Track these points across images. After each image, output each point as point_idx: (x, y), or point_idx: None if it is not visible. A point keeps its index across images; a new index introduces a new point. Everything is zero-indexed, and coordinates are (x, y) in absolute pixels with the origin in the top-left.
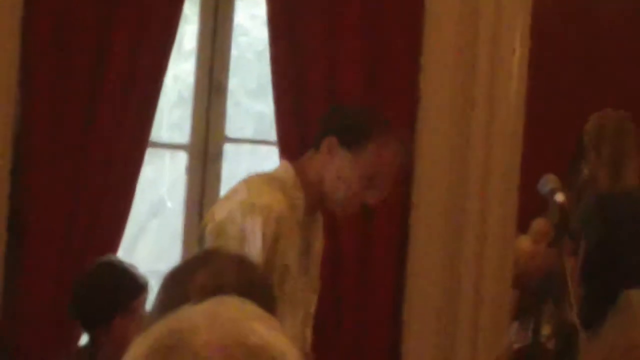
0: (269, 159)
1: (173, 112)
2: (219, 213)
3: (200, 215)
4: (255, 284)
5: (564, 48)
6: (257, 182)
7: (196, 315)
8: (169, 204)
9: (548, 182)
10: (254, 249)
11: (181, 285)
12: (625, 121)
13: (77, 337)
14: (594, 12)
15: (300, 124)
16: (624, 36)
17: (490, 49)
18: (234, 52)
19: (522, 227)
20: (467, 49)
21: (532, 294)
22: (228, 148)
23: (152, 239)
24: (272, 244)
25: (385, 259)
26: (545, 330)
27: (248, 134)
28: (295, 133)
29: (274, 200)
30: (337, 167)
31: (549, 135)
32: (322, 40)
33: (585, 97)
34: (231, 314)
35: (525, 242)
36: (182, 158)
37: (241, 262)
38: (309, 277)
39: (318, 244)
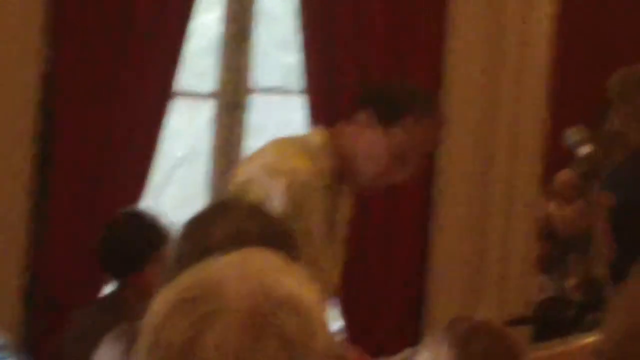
0: (296, 110)
1: (200, 62)
2: (244, 173)
3: (227, 165)
4: (277, 233)
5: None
6: (286, 145)
7: (223, 268)
8: (195, 153)
9: (574, 133)
10: (277, 211)
11: (202, 234)
12: None
13: (106, 286)
14: None
15: (326, 74)
16: None
17: (518, 9)
18: (261, 1)
19: (548, 180)
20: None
21: (558, 245)
22: (254, 98)
23: (179, 188)
24: (295, 208)
25: (411, 214)
26: (571, 282)
27: (274, 84)
28: (322, 83)
29: (301, 165)
30: (369, 142)
31: (576, 88)
32: None
33: (613, 50)
34: (257, 265)
35: (553, 208)
36: (208, 107)
37: (261, 212)
38: (334, 245)
39: (345, 213)
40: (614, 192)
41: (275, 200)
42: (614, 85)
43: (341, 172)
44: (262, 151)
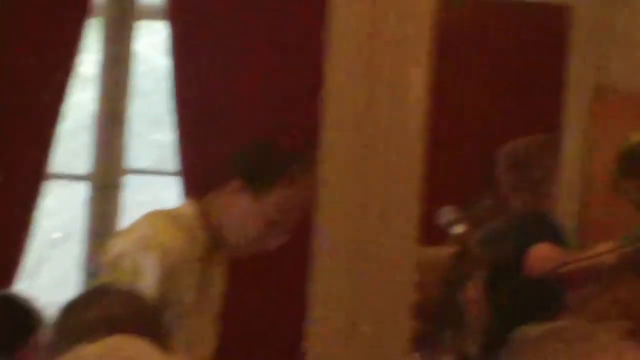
0: (171, 189)
1: (73, 142)
2: (116, 247)
3: (101, 246)
4: (146, 319)
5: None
6: (158, 218)
7: (92, 355)
8: (69, 234)
9: (447, 213)
10: (148, 286)
11: (74, 320)
12: (544, 144)
13: None
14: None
15: (200, 153)
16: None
17: (388, 84)
18: (134, 80)
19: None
20: (367, 76)
21: (431, 321)
22: (128, 178)
23: (52, 270)
24: (168, 282)
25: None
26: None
27: (148, 163)
28: (195, 162)
29: (173, 238)
30: (240, 211)
31: (448, 166)
32: (224, 67)
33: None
34: (125, 353)
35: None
36: (83, 187)
37: (132, 297)
38: (207, 316)
39: (219, 283)
40: (487, 253)
41: (148, 275)
42: (505, 157)
43: (214, 242)
44: (134, 225)
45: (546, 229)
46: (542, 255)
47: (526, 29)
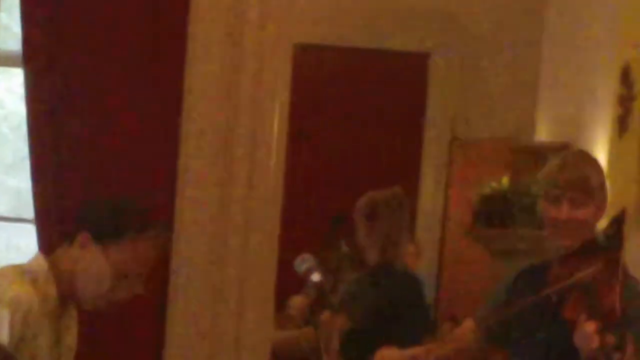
0: (26, 236)
1: None
2: None
3: None
4: None
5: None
6: (7, 273)
7: None
8: None
9: (304, 261)
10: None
11: None
12: (400, 197)
13: None
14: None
15: (56, 202)
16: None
17: (249, 135)
18: None
19: (281, 305)
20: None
21: None
22: None
23: None
24: (19, 337)
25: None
26: None
27: (3, 209)
28: (50, 211)
29: (23, 293)
30: (88, 264)
31: (305, 214)
32: (81, 114)
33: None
34: None
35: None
36: None
37: None
38: None
39: (70, 338)
40: (347, 313)
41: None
42: (360, 208)
43: (65, 297)
44: None
45: (400, 285)
46: None
47: (385, 77)
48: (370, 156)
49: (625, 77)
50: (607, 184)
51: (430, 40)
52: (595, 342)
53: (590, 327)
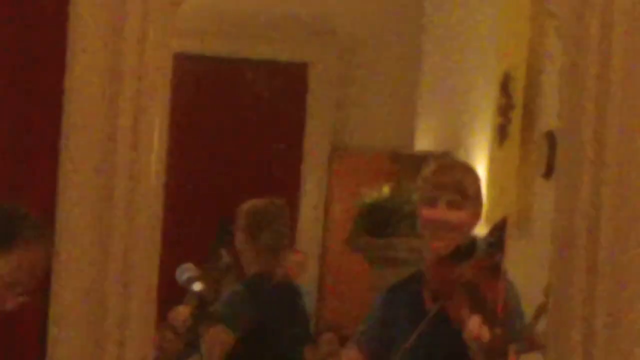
0: None
1: None
2: None
3: None
4: None
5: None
6: None
7: None
8: None
9: (185, 270)
10: None
11: None
12: (280, 206)
13: None
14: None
15: None
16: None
17: (130, 138)
18: None
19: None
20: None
21: None
22: None
23: None
24: None
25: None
26: None
27: None
28: None
29: None
30: None
31: (186, 224)
32: None
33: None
34: None
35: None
36: None
37: None
38: None
39: None
40: (226, 324)
41: None
42: (239, 218)
43: None
44: None
45: (279, 295)
46: None
47: (265, 87)
48: (251, 166)
49: (505, 86)
50: (484, 191)
51: (309, 50)
52: (485, 335)
53: (475, 320)
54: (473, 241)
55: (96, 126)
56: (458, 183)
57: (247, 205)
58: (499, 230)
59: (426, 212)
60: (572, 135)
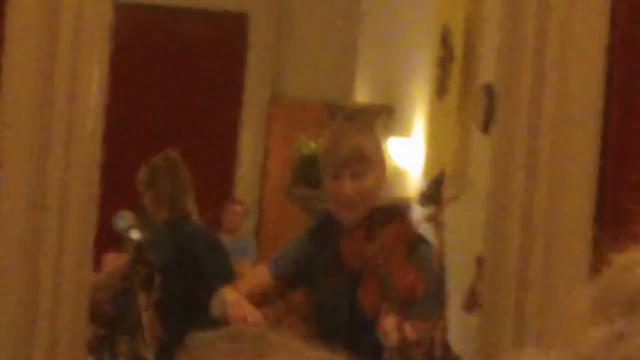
0: None
1: None
2: None
3: None
4: None
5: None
6: None
7: None
8: None
9: (123, 218)
10: None
11: None
12: (174, 158)
13: None
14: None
15: None
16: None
17: (67, 89)
18: None
19: (97, 263)
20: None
21: (106, 325)
22: None
23: None
24: None
25: None
26: None
27: None
28: None
29: None
30: None
31: (124, 172)
32: None
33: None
34: None
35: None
36: None
37: None
38: None
39: None
40: (161, 273)
41: None
42: (143, 174)
43: None
44: None
45: (196, 236)
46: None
47: (204, 37)
48: (190, 116)
49: (445, 39)
50: (424, 143)
51: (249, 0)
52: (393, 339)
53: (389, 323)
54: (390, 206)
55: (34, 74)
56: (358, 151)
57: (145, 164)
58: (436, 184)
59: (331, 187)
60: (510, 89)
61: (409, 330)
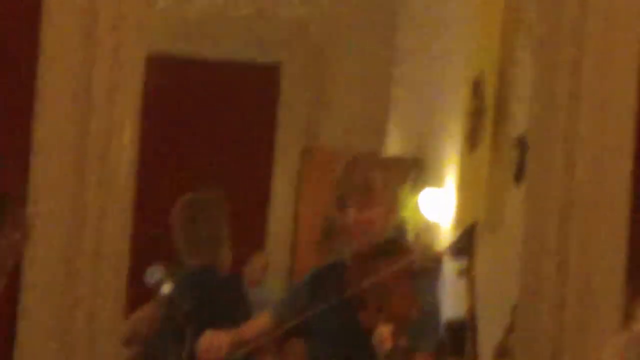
0: None
1: None
2: None
3: None
4: None
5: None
6: None
7: None
8: None
9: (155, 272)
10: None
11: None
12: (219, 198)
13: None
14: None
15: None
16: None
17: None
18: None
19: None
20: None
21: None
22: None
23: None
24: None
25: None
26: None
27: None
28: None
29: None
30: None
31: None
32: None
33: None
34: None
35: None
36: None
37: None
38: None
39: None
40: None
41: None
42: (180, 208)
43: None
44: None
45: (217, 287)
46: (209, 345)
47: (237, 89)
48: (223, 167)
49: (476, 90)
50: (455, 196)
51: (281, 51)
52: (388, 344)
53: (383, 330)
54: (395, 239)
55: (68, 124)
56: (366, 181)
57: (185, 198)
58: (467, 236)
59: (338, 216)
60: (543, 140)
61: (402, 340)
